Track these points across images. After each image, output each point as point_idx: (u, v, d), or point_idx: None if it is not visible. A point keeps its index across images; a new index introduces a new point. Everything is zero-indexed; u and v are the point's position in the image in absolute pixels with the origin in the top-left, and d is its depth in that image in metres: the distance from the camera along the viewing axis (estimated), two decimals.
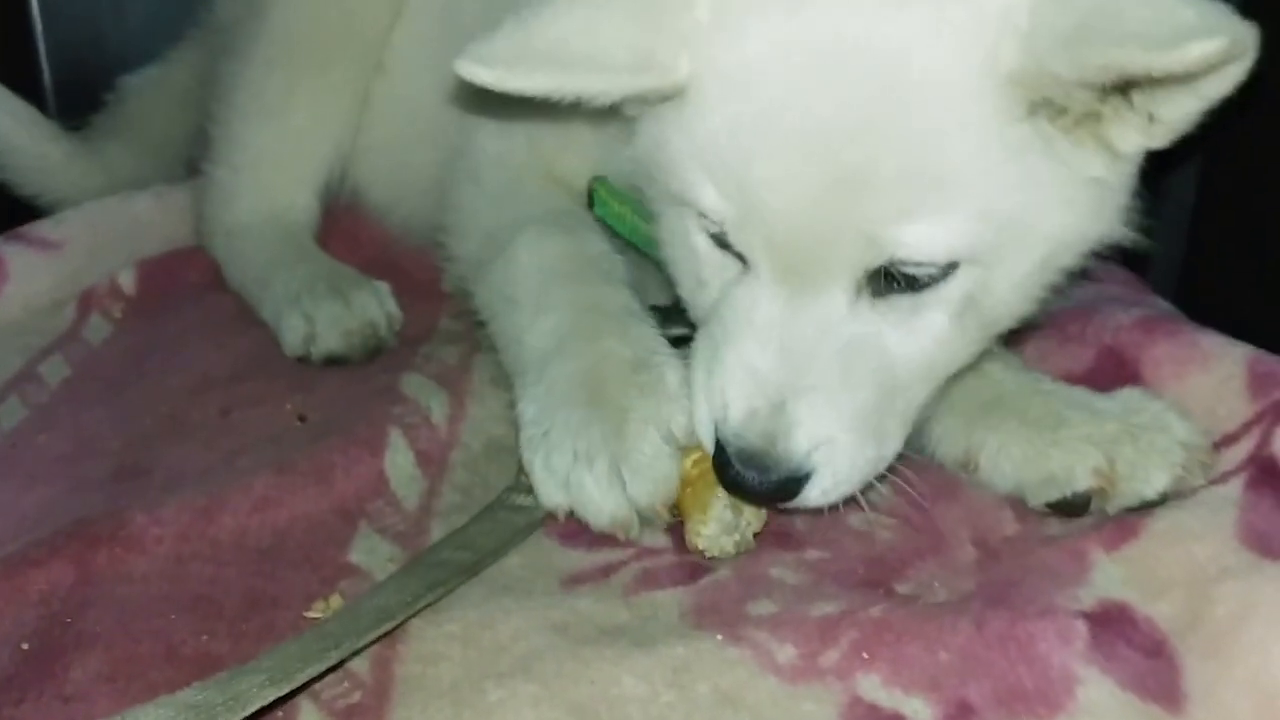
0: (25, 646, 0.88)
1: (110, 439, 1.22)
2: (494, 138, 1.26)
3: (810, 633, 0.84)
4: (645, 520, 0.96)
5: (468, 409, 1.18)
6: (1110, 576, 0.87)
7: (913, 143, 0.85)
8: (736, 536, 0.95)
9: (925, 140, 0.86)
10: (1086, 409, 1.00)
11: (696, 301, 1.02)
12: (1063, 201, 0.90)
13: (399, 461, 1.10)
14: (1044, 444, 0.98)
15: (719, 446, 0.93)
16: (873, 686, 0.80)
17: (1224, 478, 0.92)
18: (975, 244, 0.88)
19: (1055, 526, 0.97)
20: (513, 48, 0.91)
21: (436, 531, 1.01)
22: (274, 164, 1.59)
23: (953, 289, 0.90)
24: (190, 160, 1.75)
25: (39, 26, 2.10)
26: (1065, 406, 1.00)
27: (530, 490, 0.98)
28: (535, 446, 0.97)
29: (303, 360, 1.38)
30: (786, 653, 0.82)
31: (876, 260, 0.88)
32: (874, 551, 0.96)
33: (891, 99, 0.85)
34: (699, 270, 0.99)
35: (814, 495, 0.92)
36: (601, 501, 0.94)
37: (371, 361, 1.38)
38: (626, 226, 1.16)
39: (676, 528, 0.98)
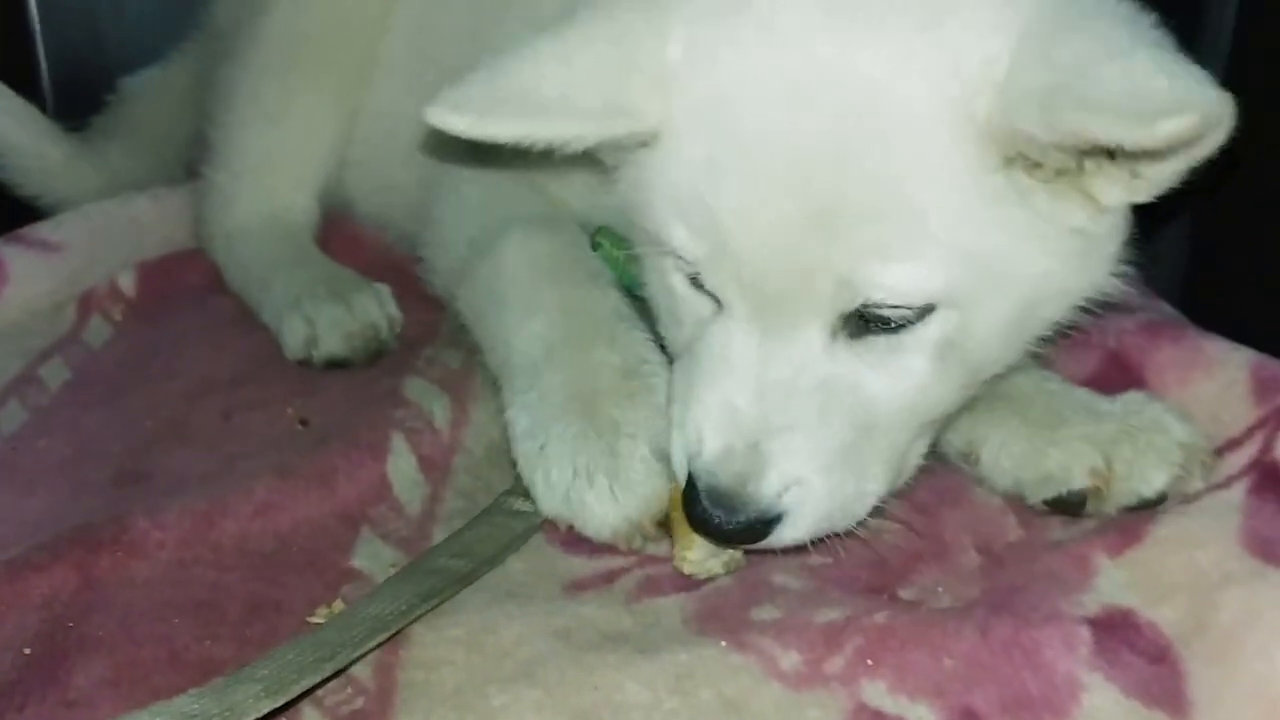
0: (28, 651, 0.88)
1: (111, 443, 1.21)
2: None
3: (814, 639, 0.83)
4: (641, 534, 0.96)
5: (470, 413, 1.18)
6: (1114, 582, 0.87)
7: (884, 179, 0.84)
8: (724, 557, 0.94)
9: (897, 177, 0.84)
10: (1087, 410, 1.00)
11: (673, 338, 1.01)
12: (1044, 250, 0.88)
13: (401, 466, 1.10)
14: (1043, 443, 0.99)
15: (690, 482, 0.91)
16: (877, 693, 0.80)
17: (1227, 483, 0.93)
18: (950, 287, 0.86)
19: (1059, 532, 0.97)
20: (485, 94, 0.90)
21: (439, 536, 1.01)
22: (273, 167, 1.59)
23: (930, 331, 0.88)
24: (190, 162, 1.75)
25: (37, 26, 2.10)
26: (1067, 407, 1.01)
27: (528, 494, 0.98)
28: (534, 462, 0.97)
29: (304, 363, 1.38)
30: (790, 659, 0.82)
31: (851, 303, 0.87)
32: (877, 557, 0.95)
33: (863, 132, 0.84)
34: (676, 309, 0.98)
35: (785, 535, 0.90)
36: (604, 516, 0.94)
37: (373, 365, 1.37)
38: (619, 269, 1.14)
39: None
